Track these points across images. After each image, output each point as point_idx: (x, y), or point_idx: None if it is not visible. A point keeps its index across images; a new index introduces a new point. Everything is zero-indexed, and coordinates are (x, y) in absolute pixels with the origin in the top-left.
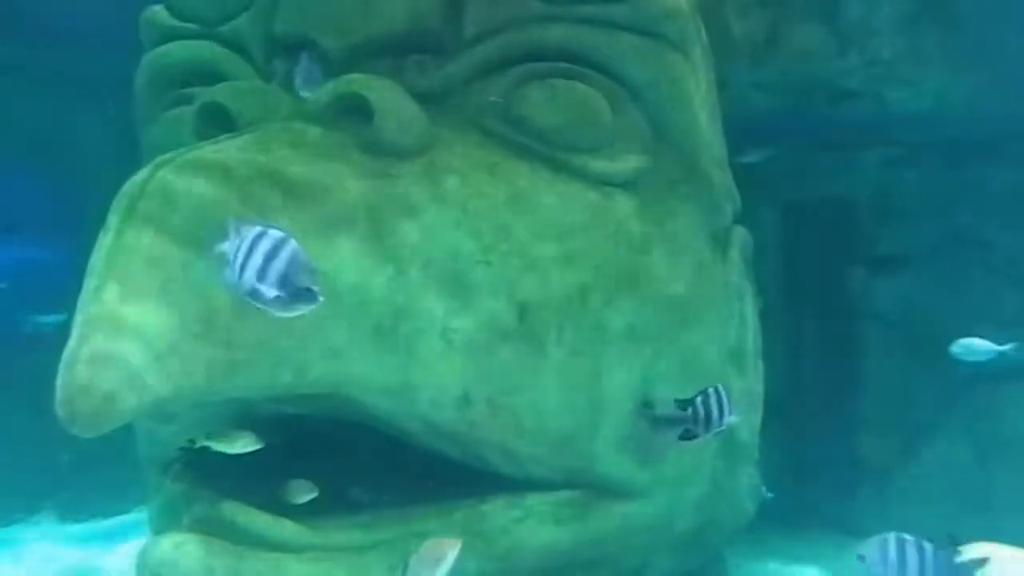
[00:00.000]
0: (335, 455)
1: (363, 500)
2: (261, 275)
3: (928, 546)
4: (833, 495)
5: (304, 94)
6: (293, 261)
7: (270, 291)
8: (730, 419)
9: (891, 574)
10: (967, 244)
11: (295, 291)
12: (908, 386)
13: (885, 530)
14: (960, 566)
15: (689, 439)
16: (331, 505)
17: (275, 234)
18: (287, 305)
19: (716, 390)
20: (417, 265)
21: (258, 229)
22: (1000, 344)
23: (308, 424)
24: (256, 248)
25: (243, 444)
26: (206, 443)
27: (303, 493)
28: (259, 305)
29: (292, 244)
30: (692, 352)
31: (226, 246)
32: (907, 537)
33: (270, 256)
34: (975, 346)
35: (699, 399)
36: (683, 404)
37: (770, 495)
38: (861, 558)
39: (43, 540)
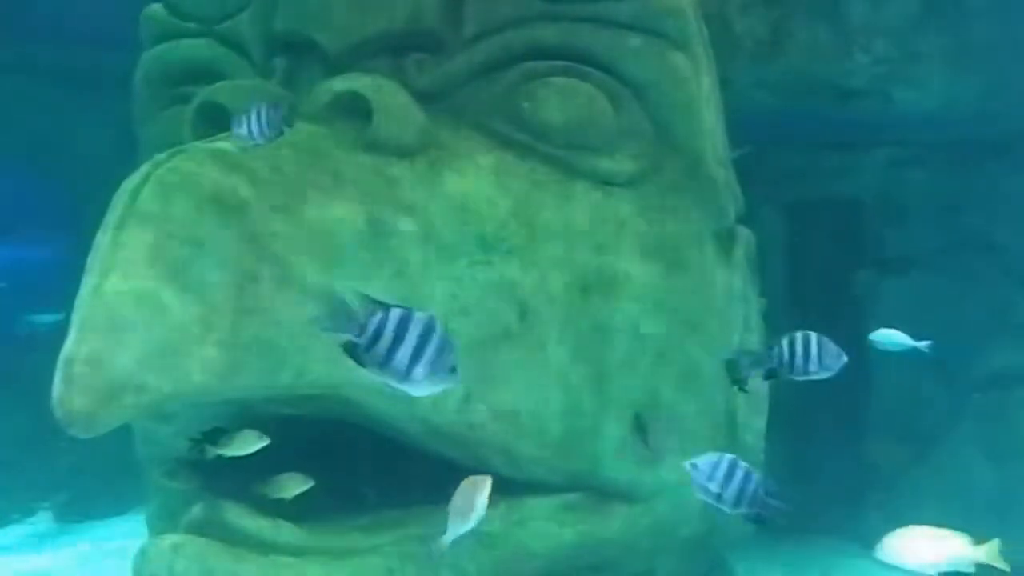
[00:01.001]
0: (334, 457)
1: (369, 500)
2: (415, 358)
3: (756, 474)
4: (840, 501)
5: (257, 142)
6: (443, 344)
7: (422, 374)
8: (822, 370)
9: (714, 486)
10: (975, 246)
11: (443, 373)
12: (917, 390)
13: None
14: (774, 495)
15: (771, 378)
16: (330, 507)
17: (422, 316)
18: (431, 386)
19: (807, 336)
20: (417, 264)
21: (400, 311)
22: (918, 340)
23: (307, 426)
24: (406, 331)
25: (249, 444)
26: (218, 451)
27: (297, 485)
28: (402, 386)
29: (440, 327)
30: (695, 353)
31: (351, 325)
32: (741, 463)
33: (422, 339)
34: (892, 337)
35: (785, 341)
36: (770, 345)
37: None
38: (693, 466)
39: (40, 541)
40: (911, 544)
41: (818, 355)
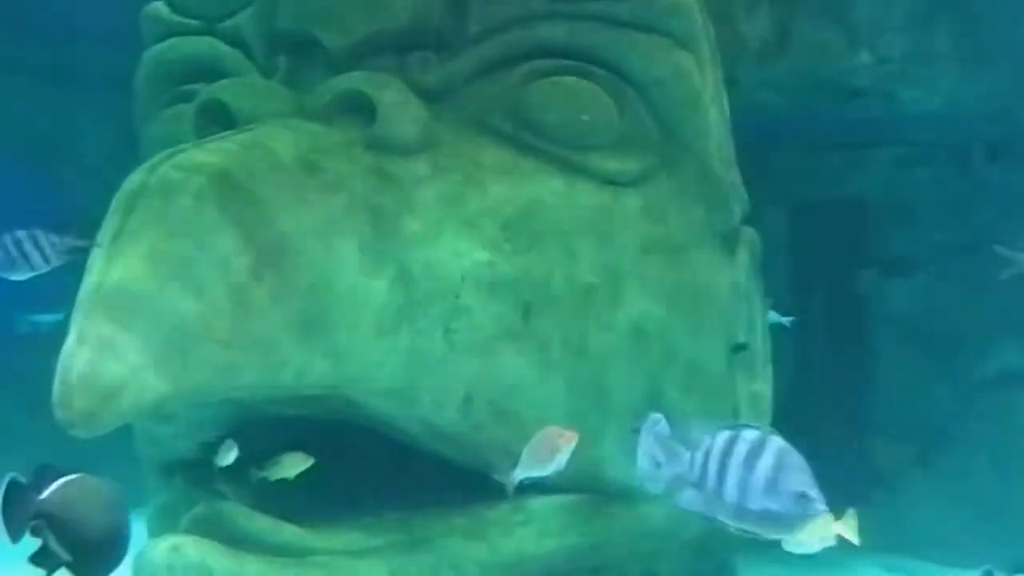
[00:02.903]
0: (336, 459)
1: (367, 502)
2: (744, 486)
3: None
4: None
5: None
6: (781, 464)
7: (764, 505)
8: None
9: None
10: (981, 246)
11: (788, 502)
12: (922, 391)
13: (900, 540)
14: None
15: None
16: (331, 508)
17: (753, 434)
18: (780, 526)
19: None
20: (419, 264)
21: (727, 432)
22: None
23: (309, 427)
24: (731, 454)
25: (297, 465)
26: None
27: (297, 465)
28: (743, 528)
29: (776, 441)
30: (699, 354)
31: (681, 460)
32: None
33: (751, 460)
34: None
35: None
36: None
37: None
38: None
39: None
40: None
41: None
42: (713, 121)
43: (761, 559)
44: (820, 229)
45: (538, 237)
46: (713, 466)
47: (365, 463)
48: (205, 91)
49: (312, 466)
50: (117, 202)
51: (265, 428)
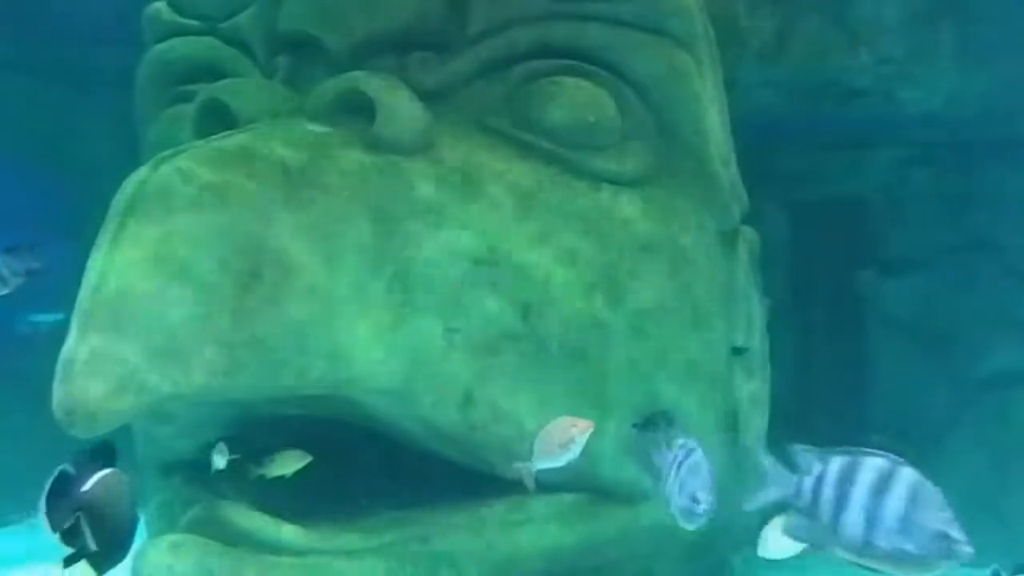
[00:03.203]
0: (335, 458)
1: (363, 503)
2: (872, 520)
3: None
4: None
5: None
6: (916, 497)
7: (896, 544)
8: None
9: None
10: (980, 246)
11: (926, 541)
12: (921, 390)
13: None
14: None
15: None
16: (330, 508)
17: (878, 462)
18: (921, 566)
19: None
20: (419, 265)
21: (843, 459)
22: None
23: (308, 427)
24: (852, 483)
25: (294, 462)
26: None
27: (295, 462)
28: (864, 563)
29: (911, 473)
30: (698, 353)
31: (792, 486)
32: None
33: (879, 492)
34: None
35: None
36: None
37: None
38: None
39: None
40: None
41: None
42: (713, 121)
43: (759, 559)
44: (820, 229)
45: (537, 237)
46: (828, 494)
47: (364, 462)
48: (205, 91)
49: (311, 465)
50: (117, 203)
51: (265, 428)
